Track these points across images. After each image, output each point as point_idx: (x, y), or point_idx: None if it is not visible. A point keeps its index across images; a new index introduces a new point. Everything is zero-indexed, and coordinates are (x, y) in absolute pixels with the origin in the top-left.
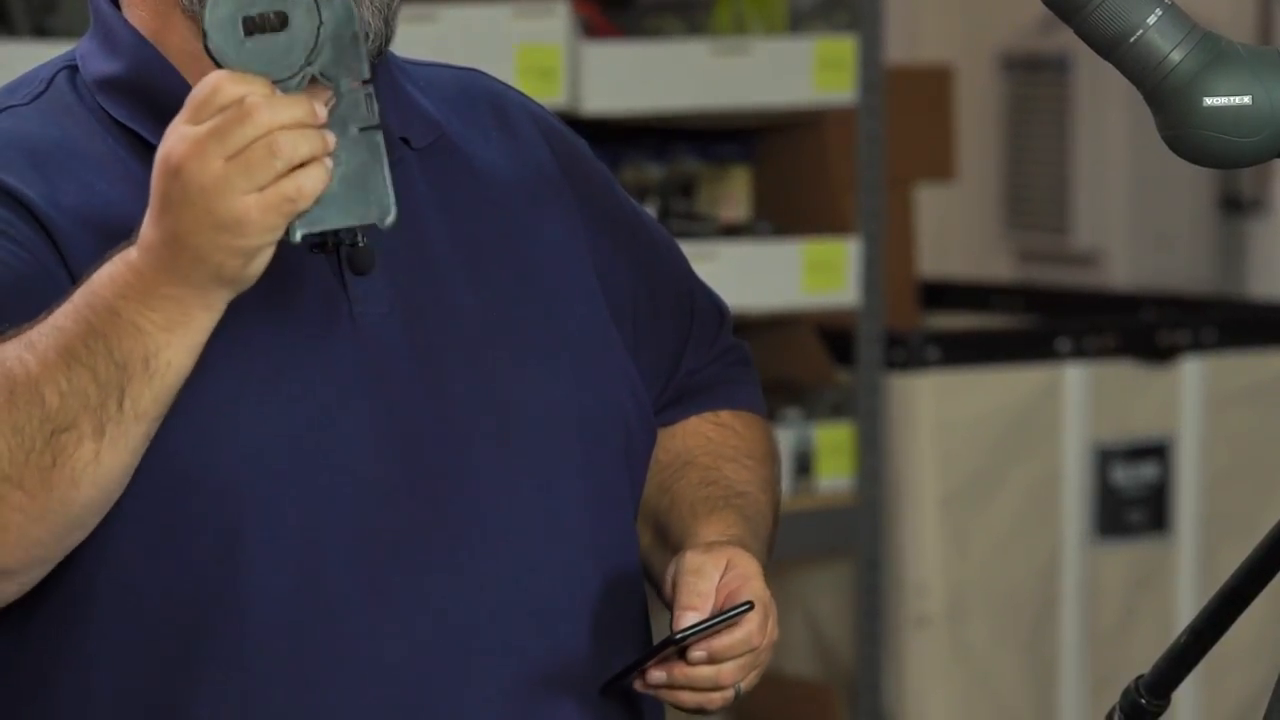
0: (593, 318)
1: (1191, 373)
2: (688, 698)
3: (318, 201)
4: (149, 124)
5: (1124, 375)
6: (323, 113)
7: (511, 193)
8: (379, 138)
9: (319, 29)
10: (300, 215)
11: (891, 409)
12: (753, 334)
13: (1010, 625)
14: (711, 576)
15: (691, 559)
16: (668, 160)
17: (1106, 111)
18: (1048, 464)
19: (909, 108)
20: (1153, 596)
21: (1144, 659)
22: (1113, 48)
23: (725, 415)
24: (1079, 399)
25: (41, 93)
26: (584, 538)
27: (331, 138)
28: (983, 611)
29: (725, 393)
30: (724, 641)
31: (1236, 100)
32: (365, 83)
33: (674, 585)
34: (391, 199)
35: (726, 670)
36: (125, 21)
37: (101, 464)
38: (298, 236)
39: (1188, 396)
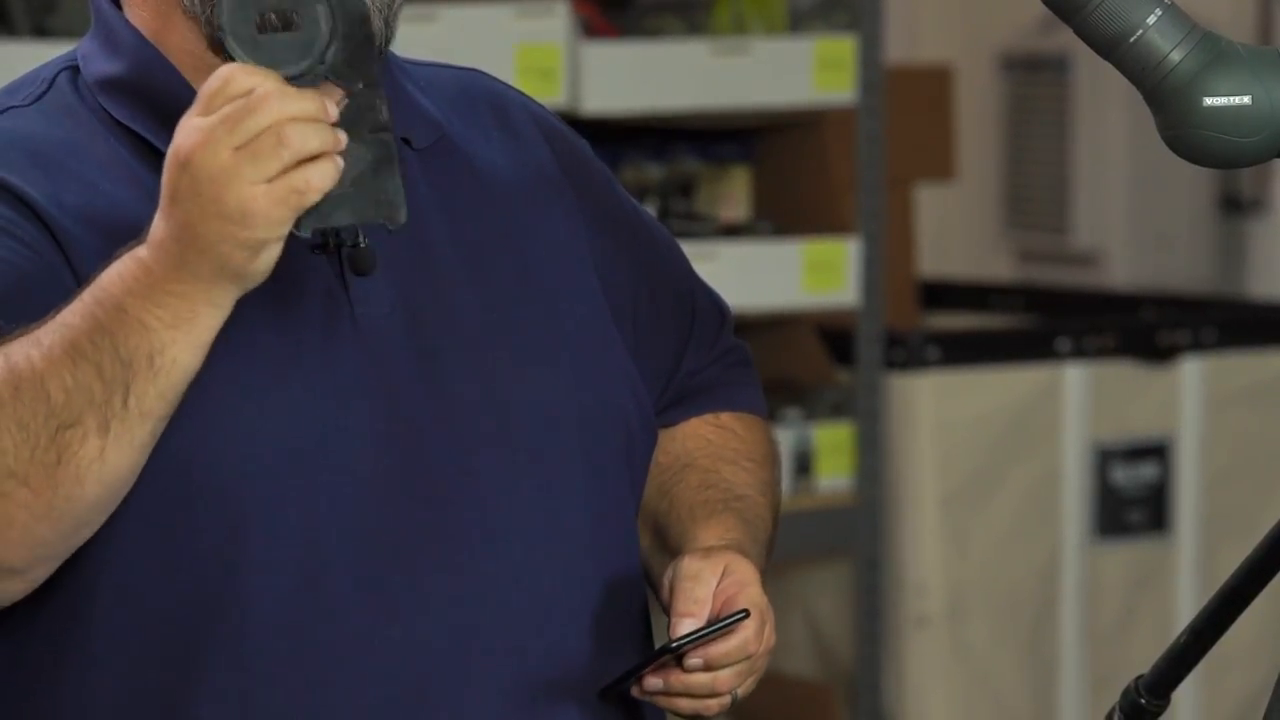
0: (593, 318)
1: (1191, 373)
2: (685, 704)
3: (327, 199)
4: (150, 124)
5: (1124, 375)
6: (334, 111)
7: (512, 193)
8: (391, 140)
9: (333, 29)
10: (309, 211)
11: (891, 409)
12: (752, 334)
13: (1010, 625)
14: (709, 582)
15: (689, 564)
16: (667, 160)
17: (1106, 111)
18: (1047, 464)
19: (909, 108)
20: (1152, 596)
21: (1144, 659)
22: (1112, 48)
23: (725, 417)
24: (1079, 399)
25: (43, 93)
26: (584, 538)
27: (342, 136)
28: (982, 611)
29: (725, 394)
30: (720, 649)
31: (1236, 100)
32: (378, 85)
33: (671, 590)
34: (402, 201)
35: (723, 677)
36: (126, 22)
37: (106, 461)
38: (306, 232)
39: (1187, 396)
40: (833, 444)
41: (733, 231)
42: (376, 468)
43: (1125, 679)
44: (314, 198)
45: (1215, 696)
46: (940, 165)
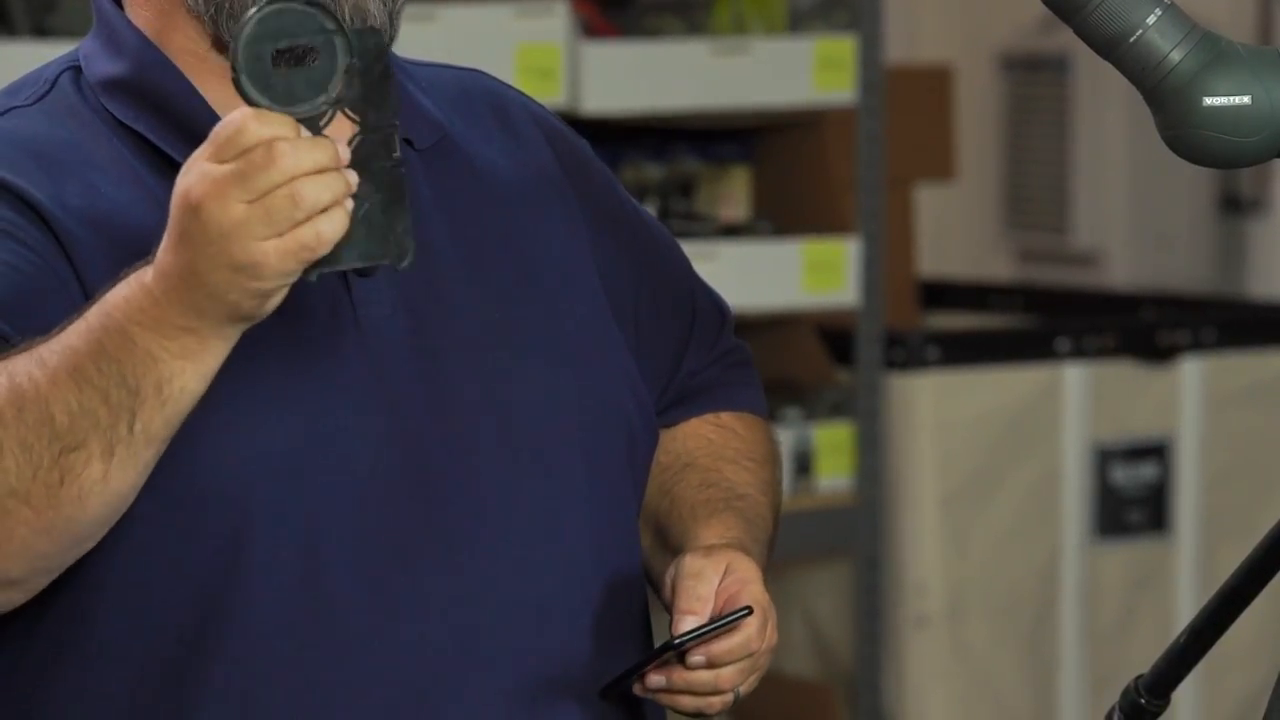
0: (594, 318)
1: (1191, 373)
2: (687, 701)
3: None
4: (153, 125)
5: (1123, 375)
6: (346, 153)
7: (513, 193)
8: (402, 177)
9: (350, 64)
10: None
11: (891, 409)
12: (752, 334)
13: (1010, 625)
14: (711, 580)
15: (691, 562)
16: (667, 160)
17: (1106, 111)
18: (1047, 464)
19: (909, 108)
20: (1152, 596)
21: (1143, 659)
22: (1112, 47)
23: (726, 417)
24: (1078, 399)
25: (45, 94)
26: (585, 538)
27: (354, 178)
28: (982, 611)
29: (726, 394)
30: (723, 646)
31: (1236, 100)
32: (393, 120)
33: (673, 589)
34: (411, 240)
35: (725, 675)
36: (128, 22)
37: (109, 484)
38: (314, 277)
39: (1187, 396)
40: (833, 444)
41: (733, 231)
42: (378, 468)
43: (1125, 679)
44: (324, 250)
45: (1215, 696)
46: (940, 165)
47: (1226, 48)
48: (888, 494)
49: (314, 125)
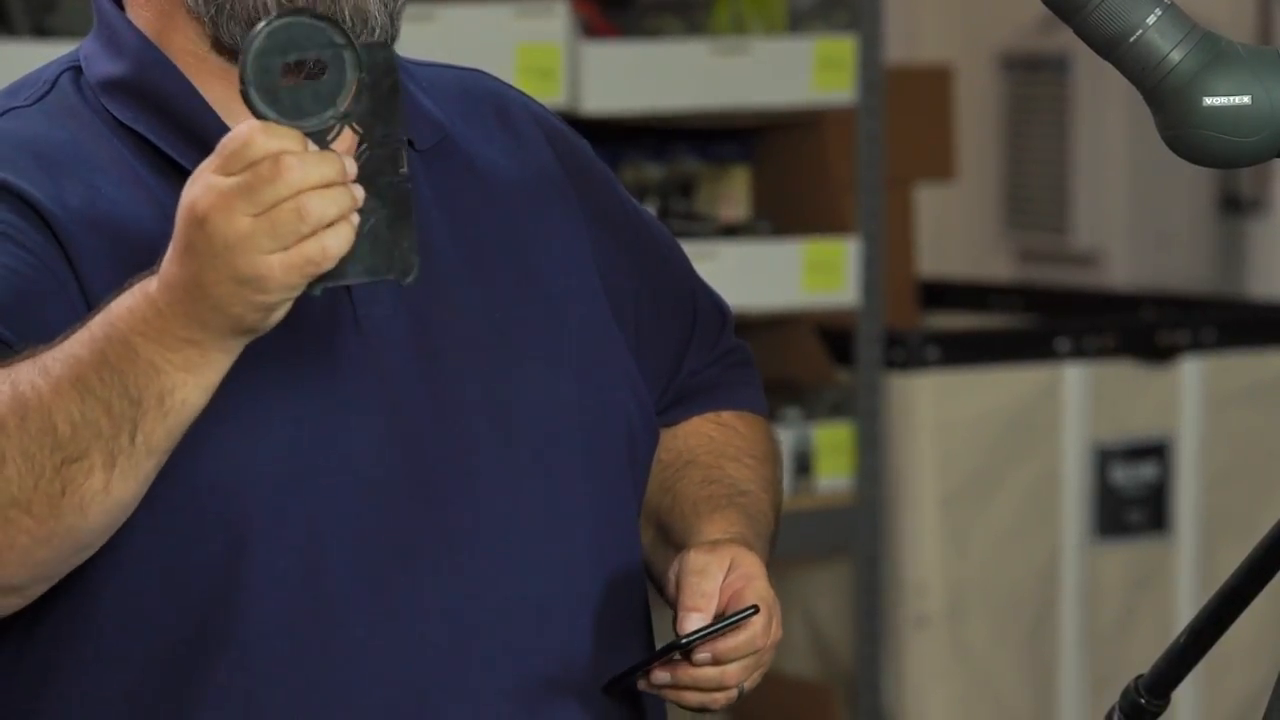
0: (595, 318)
1: (1191, 372)
2: (692, 697)
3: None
4: (153, 126)
5: (1123, 375)
6: (353, 168)
7: (514, 194)
8: (409, 191)
9: (359, 78)
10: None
11: (891, 409)
12: (752, 334)
13: (1010, 625)
14: (715, 577)
15: (695, 558)
16: (667, 160)
17: (1106, 111)
18: (1047, 464)
19: (908, 107)
20: (1152, 596)
21: (1143, 659)
22: (1112, 47)
23: (727, 415)
24: (1078, 399)
25: (45, 94)
26: (586, 537)
27: (360, 192)
28: (982, 611)
29: (727, 393)
30: (729, 643)
31: (1236, 100)
32: (400, 135)
33: (678, 585)
34: (415, 255)
35: (731, 671)
36: (129, 22)
37: (111, 494)
38: (318, 291)
39: (1187, 396)
40: (832, 444)
41: (732, 231)
42: (378, 468)
43: (1125, 679)
44: (329, 265)
45: (1215, 696)
46: (940, 165)
47: (1226, 48)
48: (888, 494)
49: (321, 139)
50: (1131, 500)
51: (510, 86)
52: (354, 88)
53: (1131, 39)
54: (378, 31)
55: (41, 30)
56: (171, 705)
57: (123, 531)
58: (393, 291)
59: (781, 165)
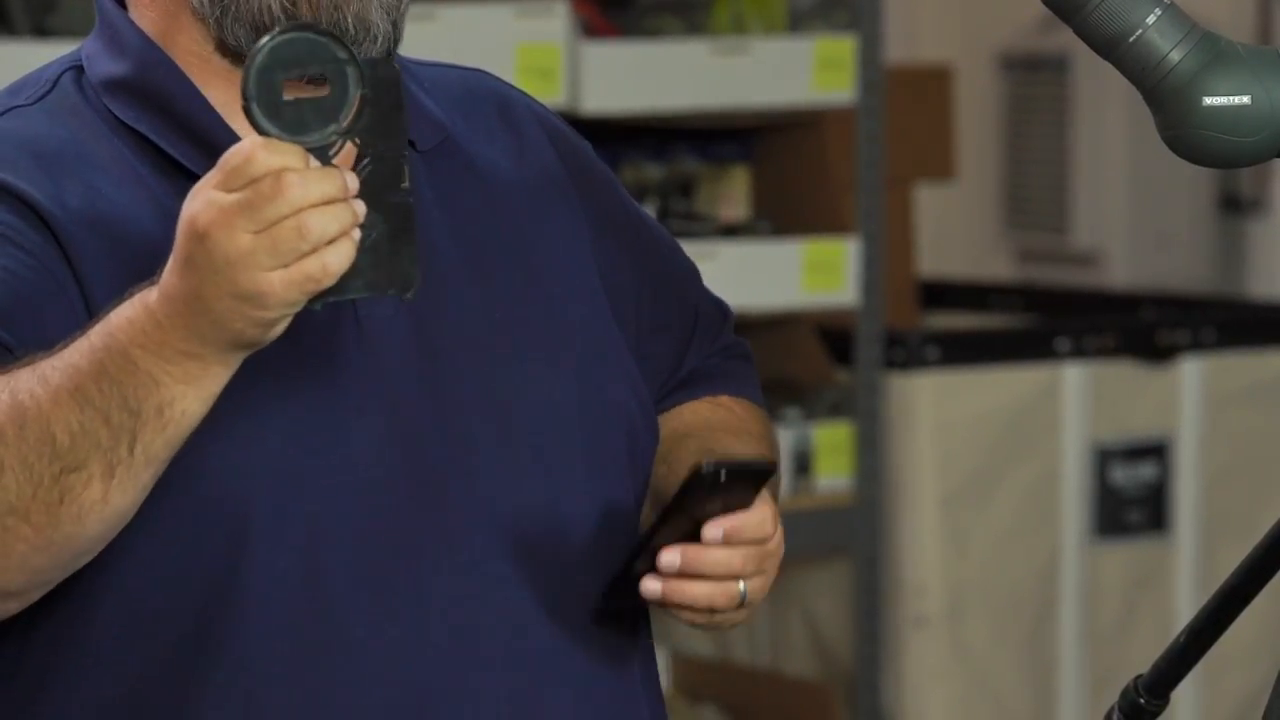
0: (596, 318)
1: (1190, 372)
2: (699, 590)
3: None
4: (155, 126)
5: (1123, 375)
6: (354, 183)
7: (516, 194)
8: (411, 207)
9: (362, 94)
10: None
11: (891, 409)
12: (752, 334)
13: (1009, 625)
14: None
15: (692, 467)
16: (667, 160)
17: (1106, 111)
18: (1047, 464)
19: (908, 107)
20: (1152, 596)
21: (1143, 659)
22: (1112, 47)
23: (724, 399)
24: (1078, 399)
25: (47, 93)
26: (586, 537)
27: (361, 208)
28: (982, 611)
29: (724, 382)
30: (739, 520)
31: (1236, 100)
32: (403, 150)
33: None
34: (417, 271)
35: (739, 556)
36: (131, 22)
37: (109, 504)
38: (318, 306)
39: (1187, 396)
40: (832, 444)
41: (732, 231)
42: (378, 468)
43: (1124, 679)
44: (330, 282)
45: (1215, 696)
46: (940, 165)
47: (1226, 47)
48: (887, 494)
49: (323, 155)
50: (1131, 500)
51: (513, 87)
52: (357, 103)
53: (1131, 39)
54: (380, 39)
55: (42, 30)
56: (171, 707)
57: (122, 533)
58: None
59: (781, 165)
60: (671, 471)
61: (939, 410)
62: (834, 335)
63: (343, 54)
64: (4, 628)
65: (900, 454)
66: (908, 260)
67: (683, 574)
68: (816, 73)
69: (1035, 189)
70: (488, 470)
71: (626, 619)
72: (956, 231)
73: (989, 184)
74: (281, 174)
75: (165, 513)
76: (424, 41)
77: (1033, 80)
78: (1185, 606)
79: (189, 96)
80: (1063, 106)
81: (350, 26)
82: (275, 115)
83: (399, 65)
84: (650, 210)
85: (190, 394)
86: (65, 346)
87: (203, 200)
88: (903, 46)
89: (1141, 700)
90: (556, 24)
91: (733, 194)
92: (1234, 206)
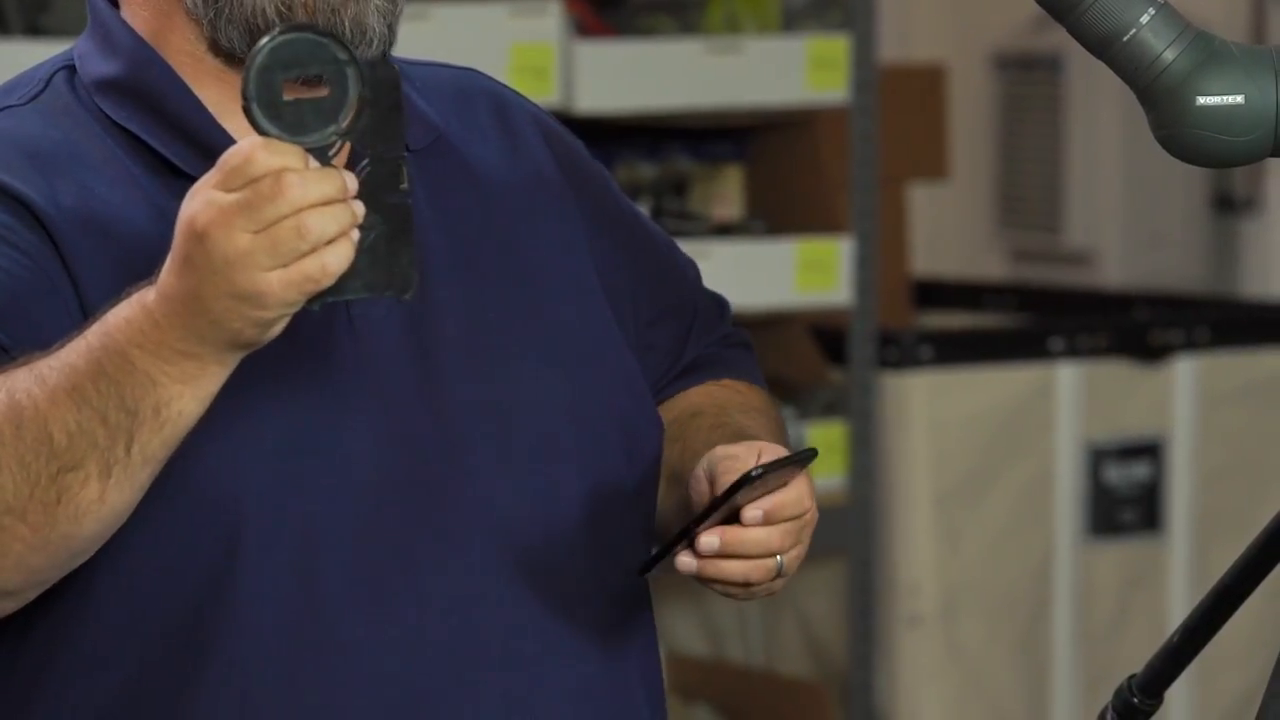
0: (591, 316)
1: (1184, 372)
2: (735, 567)
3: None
4: (148, 125)
5: (1117, 374)
6: (353, 184)
7: (510, 193)
8: (409, 208)
9: (361, 95)
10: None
11: (884, 408)
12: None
13: (1003, 624)
14: (748, 459)
15: (723, 449)
16: (660, 159)
17: (1099, 111)
18: (1040, 463)
19: (902, 107)
20: (1145, 595)
21: (1137, 658)
22: (1106, 47)
23: (728, 382)
24: (1072, 398)
25: (39, 93)
26: (582, 536)
27: (360, 209)
28: (975, 610)
29: (726, 368)
30: (779, 499)
31: (1229, 99)
32: (402, 152)
33: (711, 478)
34: (414, 272)
35: (777, 534)
36: (123, 22)
37: (106, 504)
38: (316, 306)
39: (1180, 396)
40: (825, 443)
41: (726, 231)
42: (373, 469)
43: (1118, 678)
44: (328, 282)
45: (1208, 695)
46: (933, 164)
47: (1220, 47)
48: (881, 493)
49: (323, 155)
50: (1125, 499)
51: (506, 86)
52: (356, 104)
53: (1125, 38)
54: (376, 42)
55: (35, 29)
56: (167, 706)
57: (118, 532)
58: None
59: (775, 165)
60: (687, 449)
61: (933, 409)
62: (828, 335)
63: (343, 55)
64: (0, 628)
65: (894, 453)
66: (901, 260)
67: (721, 554)
68: (810, 72)
69: (1029, 188)
70: (482, 470)
71: (628, 616)
72: (950, 231)
73: (982, 183)
74: (281, 174)
75: (160, 512)
76: (418, 41)
77: (1026, 80)
78: (1179, 606)
79: (181, 96)
80: (1056, 106)
81: (347, 30)
82: (275, 116)
83: (397, 67)
84: (643, 210)
85: (187, 394)
86: (62, 346)
87: (202, 200)
88: (896, 46)
89: (1135, 699)
90: (550, 23)
91: (726, 193)
92: (1227, 206)
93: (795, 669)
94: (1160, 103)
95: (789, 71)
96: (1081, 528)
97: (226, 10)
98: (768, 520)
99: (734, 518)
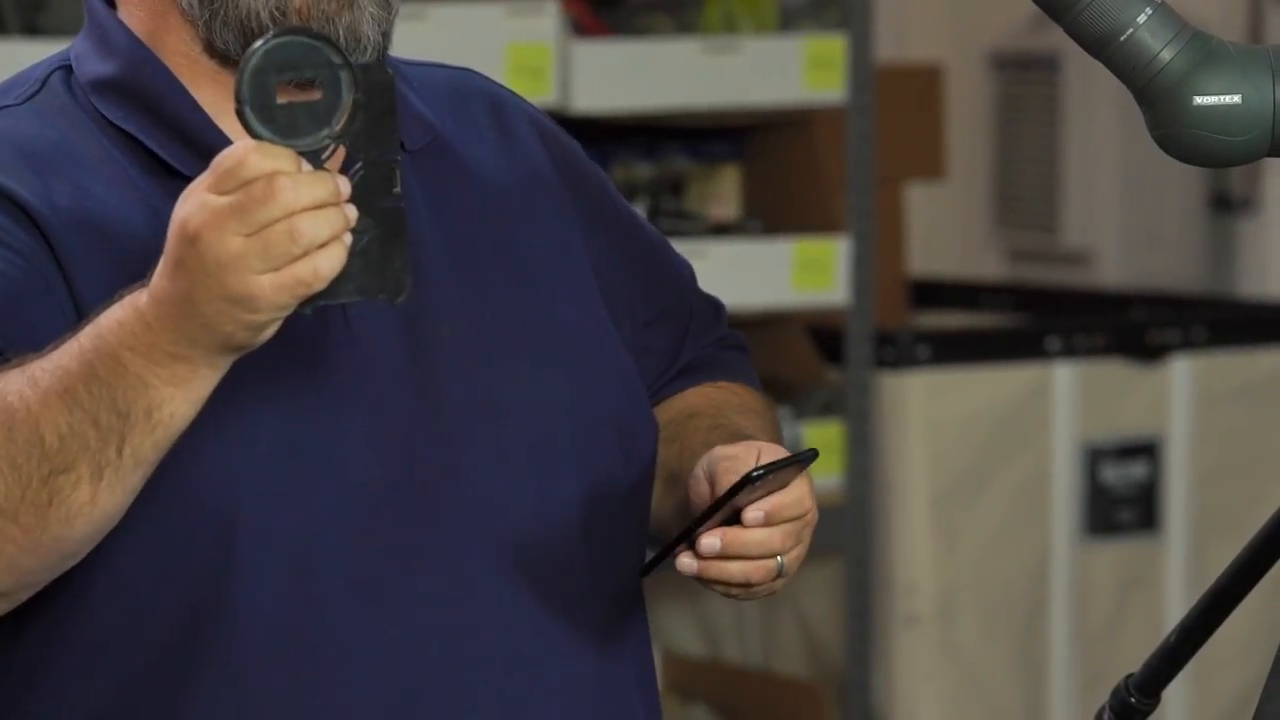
0: (588, 317)
1: (1181, 372)
2: (736, 568)
3: None
4: (144, 125)
5: (1114, 374)
6: (346, 188)
7: (506, 194)
8: (403, 212)
9: (355, 98)
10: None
11: (881, 408)
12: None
13: (1000, 624)
14: (748, 460)
15: (722, 449)
16: (657, 159)
17: (1097, 110)
18: (1037, 463)
19: (899, 107)
20: (1142, 595)
21: (1134, 658)
22: (1103, 46)
23: (724, 383)
24: (1069, 398)
25: (35, 93)
26: (578, 536)
27: (353, 213)
28: (972, 610)
29: (723, 369)
30: (780, 500)
31: (1226, 99)
32: (395, 156)
33: (710, 479)
34: (407, 276)
35: (778, 534)
36: (120, 22)
37: (97, 506)
38: (308, 310)
39: (1177, 395)
40: (823, 443)
41: (723, 230)
42: (368, 468)
43: (1115, 678)
44: (320, 286)
45: (1205, 695)
46: (930, 164)
47: (1217, 47)
48: (878, 493)
49: (316, 159)
50: (1122, 499)
51: (502, 86)
52: (350, 108)
53: (1122, 38)
54: (370, 50)
55: (33, 29)
56: (164, 707)
57: (112, 533)
58: None
59: (772, 164)
60: (684, 449)
61: (929, 409)
62: (824, 334)
63: (336, 59)
64: None
65: (891, 453)
66: (898, 259)
67: (722, 556)
68: (807, 72)
69: (1026, 188)
70: (478, 470)
71: (624, 616)
72: (947, 231)
73: (979, 183)
74: (274, 177)
75: (154, 513)
76: (415, 41)
77: (1023, 79)
78: (1176, 605)
79: (177, 96)
80: (1053, 106)
81: (341, 38)
82: (268, 119)
83: (392, 70)
84: (640, 209)
85: (179, 396)
86: (55, 348)
87: (195, 203)
88: (893, 46)
89: (1132, 699)
90: (547, 23)
91: (723, 193)
92: (1224, 206)
93: (792, 669)
94: (1157, 102)
95: (786, 71)
96: (1078, 527)
97: (221, 13)
98: (768, 521)
99: (734, 519)
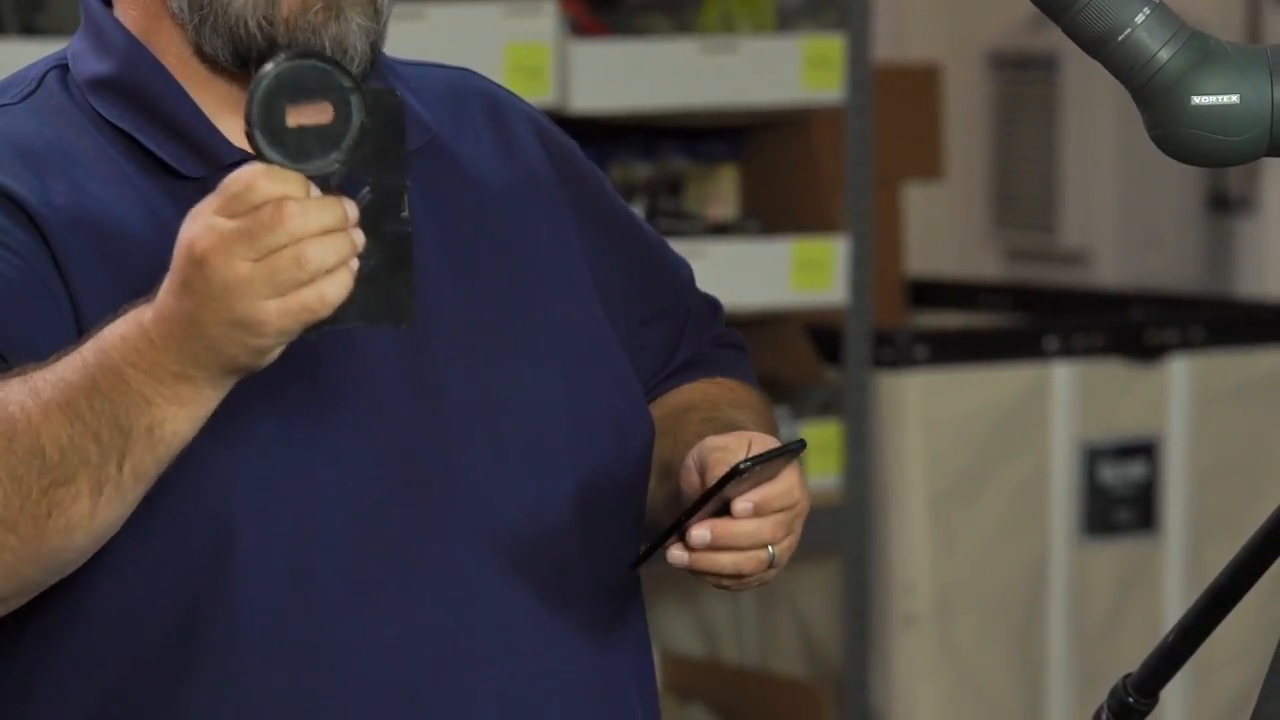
0: (585, 316)
1: (1179, 371)
2: (727, 559)
3: None
4: (140, 124)
5: (1112, 374)
6: (354, 212)
7: (504, 194)
8: (409, 237)
9: (364, 122)
10: None
11: (879, 408)
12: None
13: (998, 624)
14: (738, 451)
15: (713, 440)
16: (655, 159)
17: (1095, 110)
18: (1036, 463)
19: (897, 106)
20: (1140, 595)
21: (1132, 657)
22: (1101, 46)
23: (720, 380)
24: (1067, 398)
25: (32, 92)
26: (576, 535)
27: (360, 238)
28: (970, 610)
29: (719, 366)
30: (770, 491)
31: (1224, 99)
32: (404, 181)
33: (701, 469)
34: (413, 301)
35: (768, 525)
36: (116, 21)
37: (96, 519)
38: (313, 335)
39: (1175, 395)
40: (821, 442)
41: (721, 230)
42: (366, 470)
43: (1113, 678)
44: (326, 313)
45: (1203, 695)
46: (928, 164)
47: (1215, 47)
48: (876, 493)
49: (324, 183)
50: (1120, 499)
51: (500, 86)
52: (359, 132)
53: (1120, 37)
54: (357, 60)
55: (30, 29)
56: (163, 708)
57: (111, 539)
58: None
59: (770, 164)
60: (678, 442)
61: (927, 409)
62: (823, 334)
63: (347, 83)
64: None
65: (889, 453)
66: (896, 259)
67: (713, 547)
68: (805, 72)
69: (1024, 188)
70: (476, 471)
71: (621, 613)
72: (945, 230)
73: (977, 183)
74: (282, 203)
75: (153, 515)
76: (413, 40)
77: (1021, 79)
78: (1174, 605)
79: (174, 95)
80: (1051, 105)
81: (327, 48)
82: (278, 142)
83: (400, 94)
84: (638, 209)
85: (181, 415)
86: (58, 359)
87: (202, 225)
88: (891, 45)
89: (1130, 699)
90: (545, 23)
91: (721, 193)
92: (1222, 205)
93: (790, 668)
94: (1155, 102)
95: (784, 71)
96: (1076, 527)
97: (210, 19)
98: (758, 512)
99: (725, 510)
